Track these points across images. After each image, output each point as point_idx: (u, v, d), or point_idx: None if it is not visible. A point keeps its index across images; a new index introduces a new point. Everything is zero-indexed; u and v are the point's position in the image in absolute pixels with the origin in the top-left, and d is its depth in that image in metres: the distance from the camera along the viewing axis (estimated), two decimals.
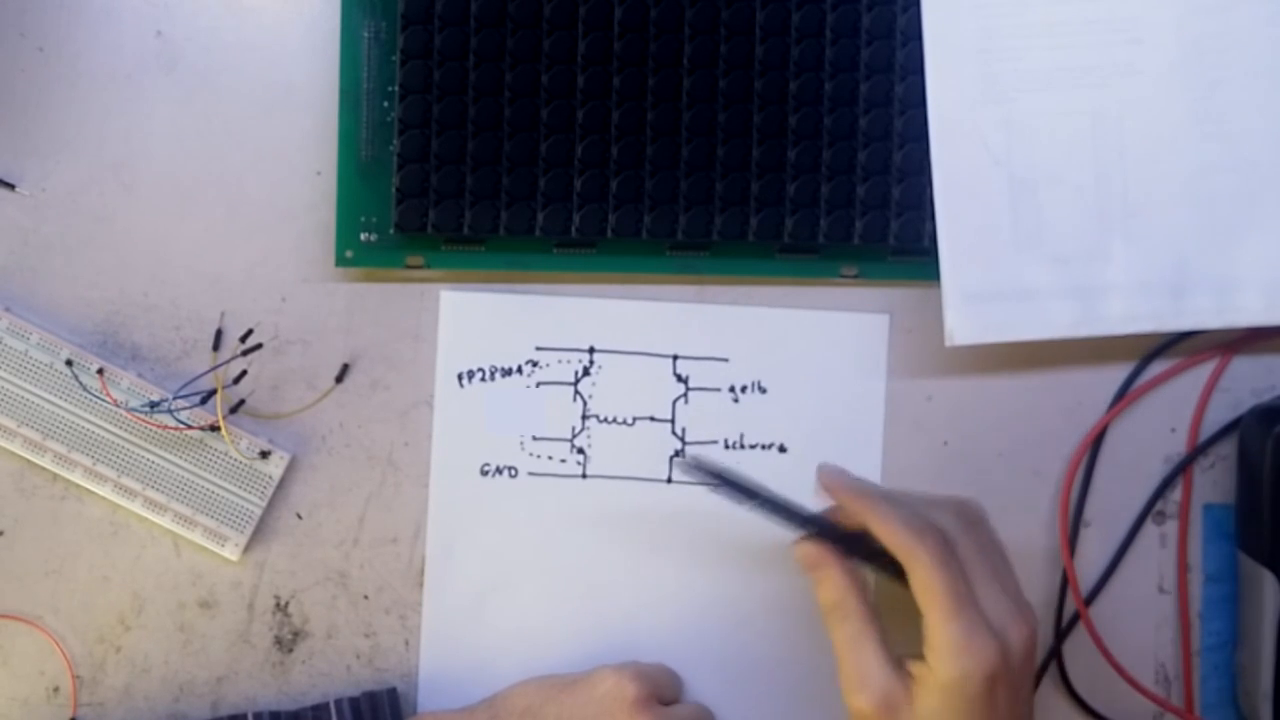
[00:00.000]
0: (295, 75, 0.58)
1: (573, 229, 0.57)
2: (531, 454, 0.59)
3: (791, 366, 0.59)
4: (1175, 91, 0.57)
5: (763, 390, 0.59)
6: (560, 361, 0.59)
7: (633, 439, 0.59)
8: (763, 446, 0.59)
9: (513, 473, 0.59)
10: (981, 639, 0.48)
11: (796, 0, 0.57)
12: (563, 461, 0.59)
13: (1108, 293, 0.57)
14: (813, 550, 0.51)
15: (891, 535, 0.49)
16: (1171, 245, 0.57)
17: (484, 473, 0.59)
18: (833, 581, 0.50)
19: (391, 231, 0.57)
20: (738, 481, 0.52)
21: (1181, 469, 0.59)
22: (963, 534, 0.50)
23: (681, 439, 0.59)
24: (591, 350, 0.59)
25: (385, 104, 0.57)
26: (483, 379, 0.59)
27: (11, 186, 0.58)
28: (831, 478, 0.53)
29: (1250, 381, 0.59)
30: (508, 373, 0.59)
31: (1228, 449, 0.59)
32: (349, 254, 0.58)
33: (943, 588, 0.48)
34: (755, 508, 0.52)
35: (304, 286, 0.58)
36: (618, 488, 0.59)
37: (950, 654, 0.48)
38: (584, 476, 0.59)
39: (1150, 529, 0.59)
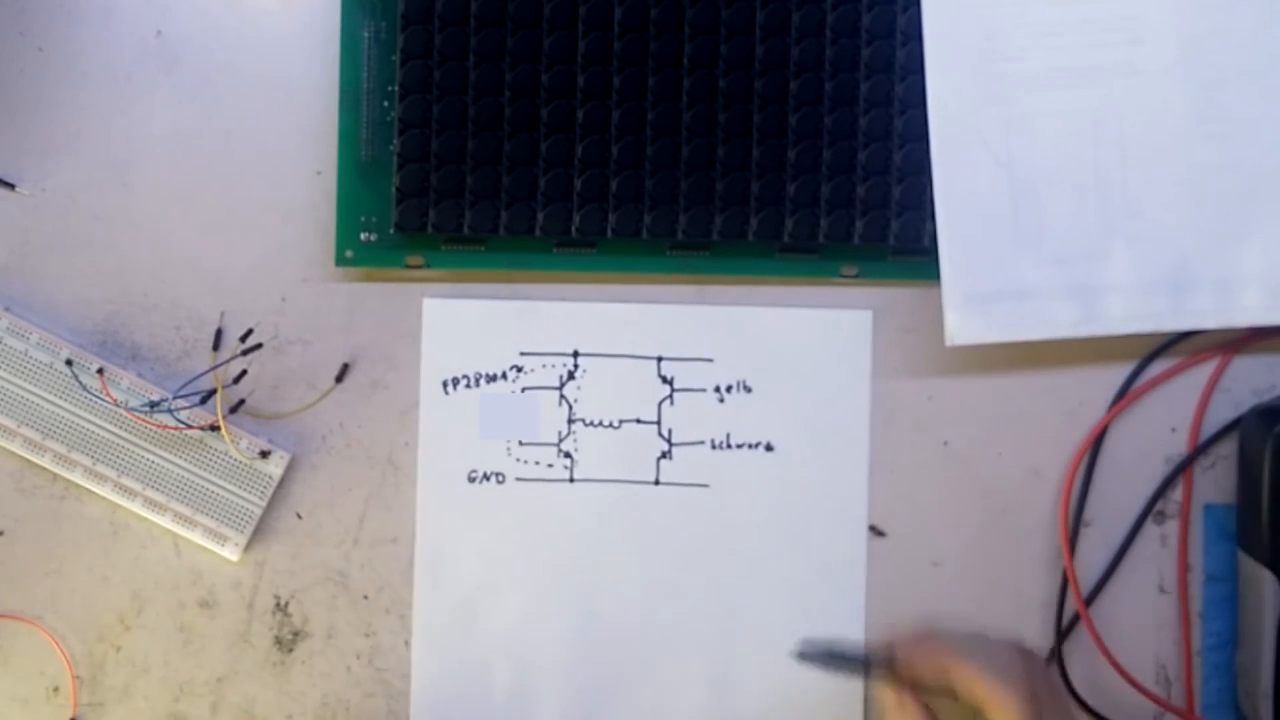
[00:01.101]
0: (295, 75, 0.58)
1: (573, 229, 0.57)
2: (519, 459, 0.59)
3: (776, 365, 0.59)
4: (1175, 91, 0.57)
5: (748, 389, 0.59)
6: (545, 366, 0.59)
7: (619, 442, 0.59)
8: (749, 446, 0.59)
9: (500, 479, 0.59)
10: None
11: (796, 0, 0.57)
12: (550, 466, 0.59)
13: (1108, 293, 0.57)
14: (896, 694, 0.52)
15: (976, 686, 0.50)
16: (1171, 245, 0.57)
17: (471, 479, 0.59)
18: None
19: (391, 231, 0.57)
20: (843, 655, 0.54)
21: (1182, 469, 0.59)
22: (1034, 677, 0.51)
23: (668, 440, 0.59)
24: (575, 354, 0.59)
25: (385, 104, 0.57)
26: (468, 385, 0.59)
27: (11, 186, 0.58)
28: (908, 647, 0.53)
29: (1250, 381, 0.59)
30: (492, 379, 0.59)
31: (1228, 449, 0.59)
32: (349, 254, 0.58)
33: None
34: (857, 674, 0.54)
35: (304, 286, 0.58)
36: (605, 491, 0.59)
37: None
38: (571, 480, 0.59)
39: (1150, 529, 0.59)
